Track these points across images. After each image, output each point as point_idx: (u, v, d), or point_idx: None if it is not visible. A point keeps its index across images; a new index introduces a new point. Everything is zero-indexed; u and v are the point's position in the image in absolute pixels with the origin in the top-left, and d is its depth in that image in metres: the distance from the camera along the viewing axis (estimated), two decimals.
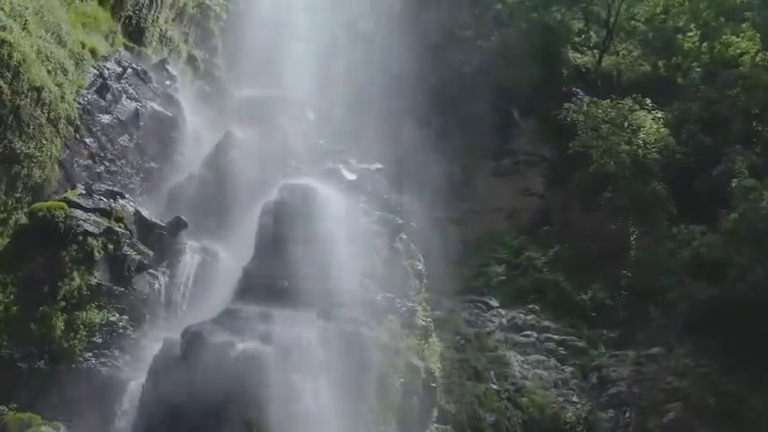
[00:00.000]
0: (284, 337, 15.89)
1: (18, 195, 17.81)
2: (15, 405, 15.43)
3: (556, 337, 31.16)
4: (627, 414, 27.80)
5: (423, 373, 19.66)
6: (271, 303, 16.97)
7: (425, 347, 20.53)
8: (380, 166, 23.07)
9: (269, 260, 17.72)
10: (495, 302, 33.06)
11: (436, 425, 24.15)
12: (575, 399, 28.21)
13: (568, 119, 35.03)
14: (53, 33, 19.50)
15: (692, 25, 36.49)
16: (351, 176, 20.83)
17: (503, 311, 32.55)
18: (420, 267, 22.58)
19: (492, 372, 27.98)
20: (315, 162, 22.16)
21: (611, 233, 33.70)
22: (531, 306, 32.78)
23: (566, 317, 32.28)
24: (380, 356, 17.79)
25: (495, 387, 27.19)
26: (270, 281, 17.46)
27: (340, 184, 20.24)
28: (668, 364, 28.89)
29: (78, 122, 19.73)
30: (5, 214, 17.53)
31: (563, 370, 29.63)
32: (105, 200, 18.19)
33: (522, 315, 32.31)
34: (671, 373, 28.55)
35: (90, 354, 16.53)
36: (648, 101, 33.68)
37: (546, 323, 31.93)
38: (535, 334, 31.35)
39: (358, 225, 19.26)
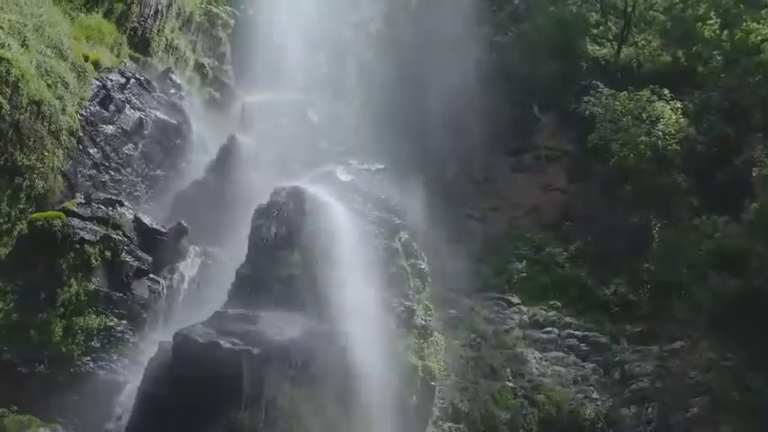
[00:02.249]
0: (270, 337, 16.10)
1: (21, 206, 18.51)
2: (16, 407, 16.04)
3: (577, 333, 30.72)
4: (650, 410, 27.36)
5: (421, 372, 19.71)
6: (262, 305, 17.23)
7: (425, 346, 20.55)
8: (382, 166, 23.20)
9: (261, 262, 17.98)
10: (516, 299, 32.69)
11: (449, 423, 24.25)
12: (595, 395, 27.82)
13: (587, 112, 34.59)
14: (54, 48, 20.16)
15: (712, 13, 35.61)
16: (346, 178, 20.99)
17: (524, 308, 32.18)
18: (423, 267, 22.64)
19: (508, 369, 27.79)
20: (315, 164, 22.35)
21: (633, 227, 33.26)
22: (552, 302, 32.33)
23: (588, 312, 31.77)
24: (373, 356, 17.87)
25: (510, 385, 26.98)
26: (261, 282, 17.72)
27: (334, 186, 20.41)
28: (692, 358, 28.34)
29: (81, 133, 20.44)
30: (9, 225, 18.23)
31: (583, 366, 29.23)
32: (104, 208, 18.77)
33: (543, 311, 31.91)
34: (694, 367, 27.98)
35: (88, 358, 17.16)
36: (667, 91, 33.05)
37: (568, 319, 31.50)
38: (556, 330, 30.97)
39: (352, 226, 19.39)
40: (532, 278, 34.03)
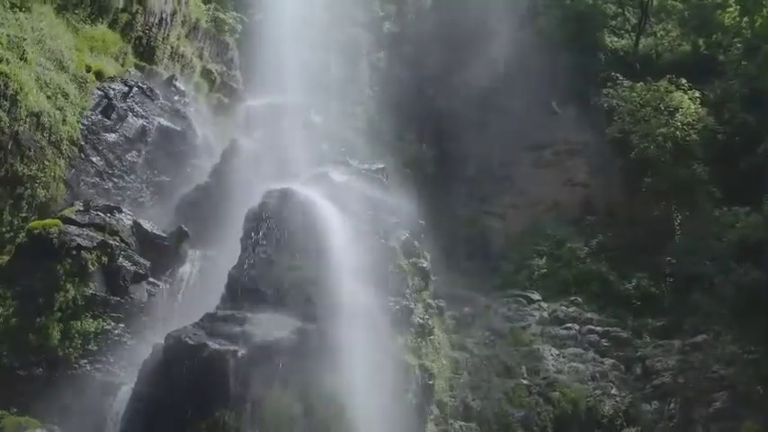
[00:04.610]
0: (256, 337, 16.32)
1: (24, 215, 19.03)
2: (15, 410, 16.48)
3: (598, 328, 30.50)
4: (671, 405, 27.05)
5: (418, 371, 19.69)
6: (252, 306, 17.45)
7: (423, 345, 20.53)
8: (382, 165, 23.22)
9: (251, 264, 18.21)
10: (536, 296, 32.53)
11: (460, 422, 24.18)
12: (614, 391, 27.57)
13: (605, 105, 34.27)
14: (54, 60, 20.68)
15: (731, 0, 34.93)
16: (339, 178, 21.08)
17: (544, 305, 32.03)
18: (425, 265, 22.61)
19: (524, 367, 27.61)
20: (314, 165, 22.51)
21: (655, 219, 32.93)
22: (573, 298, 32.16)
23: (609, 307, 31.63)
24: (364, 355, 17.93)
25: (525, 382, 26.81)
26: (252, 284, 17.95)
27: (327, 187, 20.52)
28: (714, 351, 27.98)
29: (83, 142, 20.89)
30: (12, 233, 18.74)
31: (602, 362, 28.98)
32: (102, 215, 19.20)
33: (564, 308, 31.71)
34: (717, 361, 27.63)
35: (85, 360, 17.51)
36: (684, 81, 32.55)
37: (589, 315, 31.29)
38: (576, 326, 30.76)
39: (344, 226, 19.48)
40: (553, 274, 33.88)
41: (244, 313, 16.88)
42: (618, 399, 27.30)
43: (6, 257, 18.22)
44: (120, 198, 21.55)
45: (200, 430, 15.56)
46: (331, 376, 17.12)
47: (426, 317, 21.47)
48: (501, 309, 31.30)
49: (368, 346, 18.29)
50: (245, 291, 17.93)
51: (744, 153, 31.52)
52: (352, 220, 19.89)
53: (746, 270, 28.05)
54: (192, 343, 16.32)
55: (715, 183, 31.91)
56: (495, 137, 37.36)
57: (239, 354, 16.02)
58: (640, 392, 27.77)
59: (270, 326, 16.77)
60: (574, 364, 28.54)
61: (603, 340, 30.10)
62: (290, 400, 16.32)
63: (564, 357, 28.95)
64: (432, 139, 36.78)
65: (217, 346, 16.06)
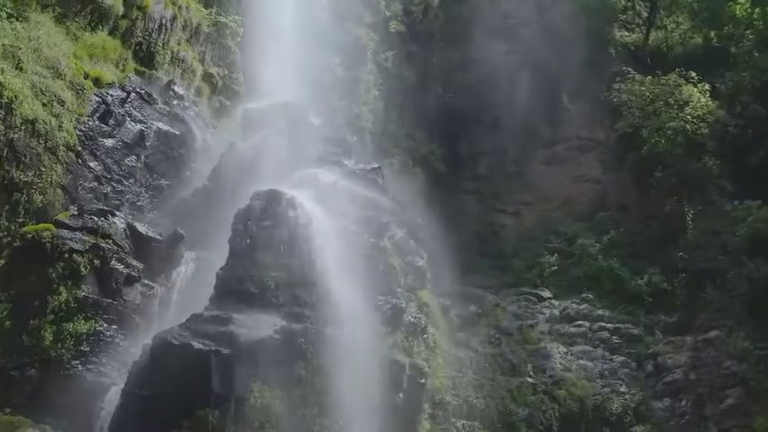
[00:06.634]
0: (240, 337, 16.53)
1: (21, 220, 19.45)
2: (9, 410, 16.91)
3: (609, 325, 30.18)
4: (683, 402, 26.73)
5: (408, 370, 19.69)
6: (239, 307, 17.69)
7: (414, 344, 20.53)
8: (377, 165, 23.30)
9: (239, 265, 18.45)
10: (547, 293, 32.34)
11: (463, 420, 24.14)
12: (623, 389, 27.30)
13: (615, 100, 33.96)
14: (51, 68, 21.06)
15: None
16: (328, 179, 21.20)
17: (555, 302, 31.81)
18: (421, 264, 22.60)
19: (529, 365, 27.45)
20: (309, 167, 22.63)
21: (666, 215, 32.52)
22: (584, 295, 31.87)
23: (621, 304, 31.26)
24: (352, 354, 18.03)
25: (530, 380, 26.66)
26: (239, 285, 18.19)
27: (316, 188, 20.67)
28: (727, 348, 27.50)
29: (80, 148, 21.28)
30: (9, 238, 19.16)
31: (611, 360, 28.68)
32: (95, 219, 19.57)
33: (575, 305, 31.44)
34: (730, 357, 27.15)
35: (77, 361, 17.88)
36: (694, 74, 32.10)
37: (600, 312, 30.97)
38: (587, 323, 30.45)
39: (333, 226, 19.61)
40: (564, 271, 33.62)
41: (229, 313, 17.12)
42: (627, 396, 27.01)
43: (2, 262, 18.65)
44: (118, 202, 21.91)
45: (184, 429, 15.80)
46: (316, 375, 17.22)
47: (420, 315, 21.46)
48: (510, 307, 31.15)
49: (356, 345, 18.37)
50: (232, 291, 18.18)
51: (755, 146, 30.94)
52: (339, 220, 20.01)
53: (758, 265, 27.61)
54: (176, 343, 16.65)
55: (727, 176, 31.37)
56: (506, 134, 37.30)
57: (223, 353, 16.25)
58: (651, 390, 27.45)
59: (255, 326, 16.99)
60: (582, 362, 28.30)
61: (614, 337, 29.78)
62: (274, 398, 16.46)
63: (572, 355, 28.71)
64: (442, 137, 36.77)
65: (200, 346, 16.36)
